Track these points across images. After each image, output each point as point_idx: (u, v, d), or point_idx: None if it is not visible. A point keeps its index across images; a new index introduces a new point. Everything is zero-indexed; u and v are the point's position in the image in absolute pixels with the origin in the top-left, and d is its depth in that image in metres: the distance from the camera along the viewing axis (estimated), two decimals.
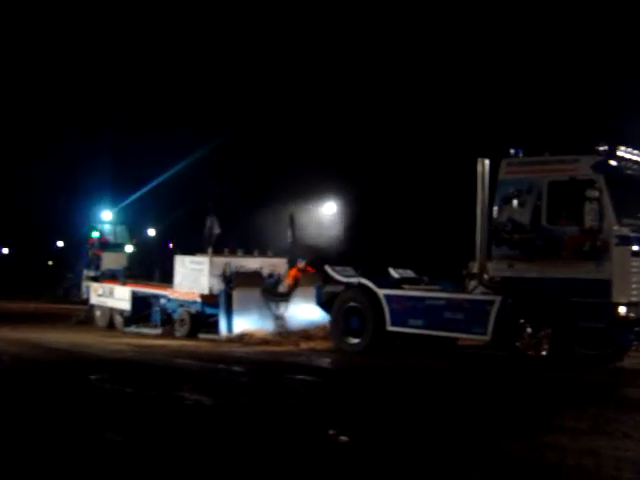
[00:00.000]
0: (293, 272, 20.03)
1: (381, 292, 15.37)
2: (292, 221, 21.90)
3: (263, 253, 21.30)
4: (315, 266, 20.18)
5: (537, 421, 8.67)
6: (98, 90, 49.81)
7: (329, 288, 16.82)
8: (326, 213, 38.82)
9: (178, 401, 10.14)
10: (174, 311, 21.02)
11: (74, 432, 8.12)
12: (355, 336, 15.78)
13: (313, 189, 40.38)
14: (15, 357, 15.43)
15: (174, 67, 51.56)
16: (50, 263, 54.09)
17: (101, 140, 44.39)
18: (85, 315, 25.28)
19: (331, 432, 8.03)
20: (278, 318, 18.99)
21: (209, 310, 19.92)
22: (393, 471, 6.68)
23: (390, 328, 15.15)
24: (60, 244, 50.42)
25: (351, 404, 10.10)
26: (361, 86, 44.94)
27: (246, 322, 18.56)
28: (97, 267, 25.90)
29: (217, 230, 20.71)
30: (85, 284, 25.76)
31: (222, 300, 18.80)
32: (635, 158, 13.45)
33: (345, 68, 45.54)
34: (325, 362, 15.16)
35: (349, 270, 17.03)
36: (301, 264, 20.08)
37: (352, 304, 15.90)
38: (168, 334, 20.46)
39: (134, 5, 54.47)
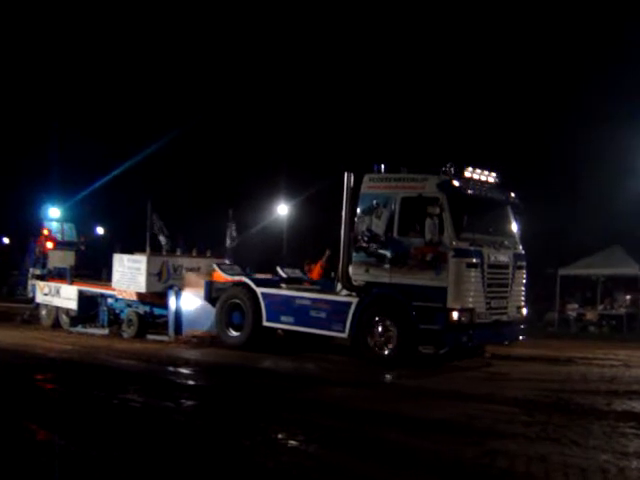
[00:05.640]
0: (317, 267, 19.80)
1: (259, 290, 16.56)
2: (230, 220, 21.82)
3: (202, 253, 21.21)
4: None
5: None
6: (46, 83, 49.00)
7: (218, 285, 17.99)
8: (279, 214, 39.03)
9: (124, 403, 9.97)
10: (122, 311, 20.71)
11: (15, 434, 7.90)
12: (236, 330, 16.95)
13: (263, 191, 40.59)
14: None
15: (127, 59, 50.86)
16: None
17: (49, 134, 43.60)
18: (30, 314, 24.76)
19: (280, 436, 7.96)
20: None
21: (158, 311, 19.68)
22: None
23: (266, 323, 16.38)
24: (6, 241, 49.48)
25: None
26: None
27: (196, 323, 18.33)
28: (44, 265, 25.41)
29: (155, 230, 20.55)
30: (31, 282, 25.23)
31: (171, 300, 18.56)
32: (483, 178, 14.77)
33: None
34: (280, 366, 15.04)
35: (236, 268, 18.56)
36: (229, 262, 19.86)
37: (235, 300, 17.00)
38: (115, 334, 20.14)
39: None
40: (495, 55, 40.82)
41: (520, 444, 7.73)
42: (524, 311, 15.09)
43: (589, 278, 28.31)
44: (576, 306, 27.67)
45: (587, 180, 31.57)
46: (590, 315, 26.92)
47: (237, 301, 16.90)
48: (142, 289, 19.52)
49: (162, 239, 20.55)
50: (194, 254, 21.13)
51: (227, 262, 20.20)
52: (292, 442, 7.81)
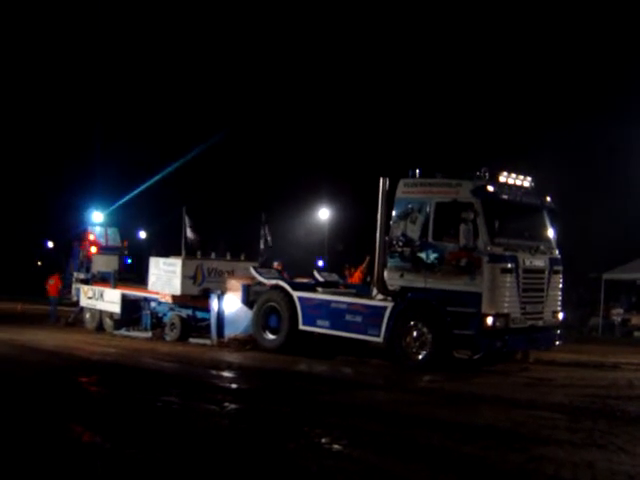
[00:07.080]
0: (358, 272, 19.94)
1: (295, 294, 16.71)
2: (265, 223, 21.90)
3: (236, 256, 21.35)
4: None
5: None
6: (89, 90, 49.75)
7: (255, 288, 18.22)
8: (321, 218, 39.08)
9: (168, 405, 10.05)
10: (164, 314, 20.90)
11: (59, 435, 8.00)
12: (273, 333, 17.09)
13: (304, 196, 40.67)
14: (1, 358, 15.30)
15: (166, 70, 51.57)
16: (39, 264, 53.78)
17: (92, 141, 44.20)
18: (74, 317, 25.13)
19: (324, 440, 7.95)
20: None
21: (200, 314, 19.82)
22: None
23: (302, 327, 16.47)
24: (50, 245, 50.20)
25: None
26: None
27: (238, 326, 18.41)
28: (88, 269, 25.74)
29: (189, 234, 20.72)
30: (75, 286, 25.59)
31: (213, 304, 18.67)
32: (518, 183, 14.69)
33: None
34: (317, 369, 15.08)
35: (273, 272, 18.80)
36: (277, 265, 20.11)
37: (271, 304, 17.16)
38: (158, 338, 20.31)
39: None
40: (539, 55, 40.41)
41: (566, 450, 7.63)
42: (560, 316, 14.95)
43: (634, 282, 27.92)
44: (621, 311, 27.27)
45: (635, 183, 31.13)
46: (635, 320, 26.51)
47: (274, 304, 17.02)
48: (177, 292, 19.83)
49: (191, 241, 20.74)
50: (228, 257, 21.34)
51: (276, 263, 20.37)
52: (336, 446, 7.79)
